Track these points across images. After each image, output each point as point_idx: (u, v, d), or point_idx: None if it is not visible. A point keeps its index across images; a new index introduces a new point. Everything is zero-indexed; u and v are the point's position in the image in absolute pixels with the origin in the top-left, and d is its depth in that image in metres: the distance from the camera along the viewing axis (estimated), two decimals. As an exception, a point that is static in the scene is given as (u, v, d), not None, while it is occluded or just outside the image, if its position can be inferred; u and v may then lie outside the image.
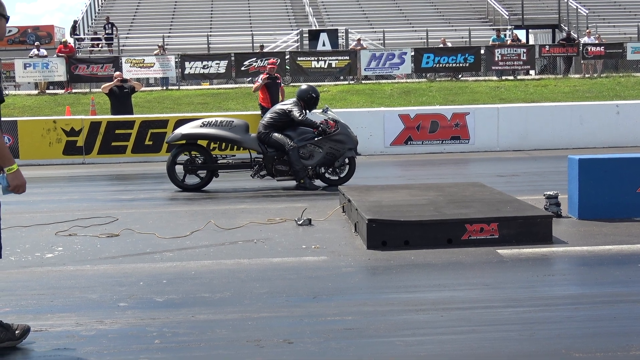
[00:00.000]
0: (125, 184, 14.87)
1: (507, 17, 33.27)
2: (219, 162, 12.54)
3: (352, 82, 28.14)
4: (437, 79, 28.11)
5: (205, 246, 8.38)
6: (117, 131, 17.17)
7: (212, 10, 37.55)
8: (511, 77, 27.88)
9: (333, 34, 31.26)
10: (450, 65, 27.98)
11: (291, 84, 27.39)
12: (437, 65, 27.97)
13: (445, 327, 5.63)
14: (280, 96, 17.25)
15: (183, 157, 12.61)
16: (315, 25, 33.97)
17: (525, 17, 34.23)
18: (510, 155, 16.33)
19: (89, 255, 8.06)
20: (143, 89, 25.16)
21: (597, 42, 29.06)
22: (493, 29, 31.70)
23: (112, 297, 6.43)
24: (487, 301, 6.25)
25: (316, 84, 27.25)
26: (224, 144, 14.32)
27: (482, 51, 28.28)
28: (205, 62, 27.97)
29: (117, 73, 19.59)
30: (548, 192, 9.55)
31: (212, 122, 12.32)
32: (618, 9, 36.24)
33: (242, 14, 37.00)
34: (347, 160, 12.48)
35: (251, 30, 33.07)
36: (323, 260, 7.64)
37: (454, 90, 25.11)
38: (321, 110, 12.72)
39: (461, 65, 27.97)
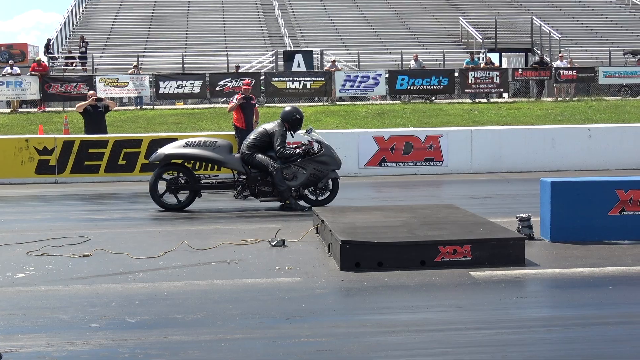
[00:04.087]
0: (98, 203, 14.78)
1: (481, 41, 33.58)
2: (202, 182, 12.49)
3: (327, 103, 28.23)
4: (411, 101, 28.27)
5: (178, 267, 8.34)
6: (90, 150, 17.08)
7: (187, 30, 37.58)
8: (484, 100, 28.11)
9: (308, 55, 31.37)
10: (425, 87, 28.15)
11: (266, 104, 27.42)
12: (412, 88, 28.14)
13: (418, 349, 5.64)
14: (254, 117, 17.25)
15: (165, 176, 12.59)
16: (290, 47, 34.09)
17: (499, 41, 34.58)
18: (483, 178, 16.44)
19: (60, 276, 7.99)
20: (117, 108, 25.07)
21: (569, 66, 29.39)
22: (467, 52, 31.96)
23: (83, 318, 6.38)
24: (460, 323, 6.27)
25: (291, 105, 27.33)
26: (206, 164, 14.21)
27: (456, 74, 28.50)
28: (179, 82, 27.95)
29: (91, 92, 19.51)
30: (521, 215, 9.61)
31: (195, 142, 12.26)
32: (590, 33, 36.70)
33: (217, 34, 37.05)
34: (330, 182, 12.52)
35: (226, 51, 33.11)
36: (296, 281, 7.64)
37: (427, 113, 25.26)
38: (305, 131, 12.73)
39: (435, 87, 28.16)
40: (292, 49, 33.20)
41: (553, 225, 9.46)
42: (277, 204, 12.60)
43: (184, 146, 12.26)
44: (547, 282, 7.77)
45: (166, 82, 27.95)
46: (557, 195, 9.51)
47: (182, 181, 12.40)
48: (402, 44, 34.72)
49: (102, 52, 34.69)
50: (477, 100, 28.15)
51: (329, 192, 12.59)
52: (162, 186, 12.54)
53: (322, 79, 28.14)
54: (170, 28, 37.85)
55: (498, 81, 28.18)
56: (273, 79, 28.18)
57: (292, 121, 12.38)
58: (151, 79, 28.15)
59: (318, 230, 9.94)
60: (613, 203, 9.49)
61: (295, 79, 28.18)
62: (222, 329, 6.09)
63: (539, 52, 33.38)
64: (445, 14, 38.84)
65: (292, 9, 39.85)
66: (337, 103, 28.06)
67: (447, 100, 28.45)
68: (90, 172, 17.08)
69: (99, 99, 18.47)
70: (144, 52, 34.34)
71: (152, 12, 39.81)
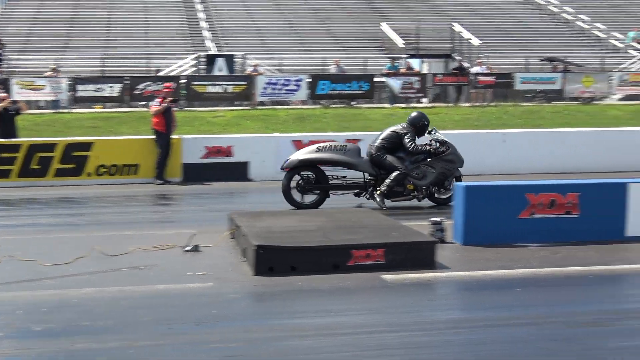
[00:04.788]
0: (9, 209, 14.40)
1: (402, 46, 33.90)
2: (331, 182, 12.74)
3: (248, 107, 28.13)
4: (332, 106, 28.36)
5: (88, 273, 8.19)
6: (2, 155, 16.62)
7: (108, 33, 36.97)
8: (404, 105, 28.39)
9: (230, 59, 31.15)
10: (346, 92, 28.26)
11: (186, 108, 27.17)
12: (333, 92, 28.22)
13: (330, 353, 5.67)
14: (173, 120, 17.02)
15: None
16: (212, 50, 33.84)
17: (420, 47, 34.95)
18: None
19: (-35, 283, 7.77)
20: (32, 111, 24.52)
21: (487, 71, 29.88)
22: (388, 57, 32.22)
23: (-14, 327, 6.22)
24: (372, 326, 6.32)
25: (211, 108, 27.19)
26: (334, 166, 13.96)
27: (377, 79, 28.69)
28: (98, 85, 27.40)
29: (4, 94, 19.04)
30: (434, 218, 9.73)
31: (327, 147, 12.79)
32: (509, 40, 37.37)
33: (139, 37, 36.54)
34: (454, 180, 12.59)
35: (148, 54, 32.68)
36: (209, 286, 7.58)
37: (348, 117, 25.38)
38: (428, 131, 12.92)
39: (356, 92, 28.30)
40: (214, 53, 32.96)
41: (465, 228, 9.60)
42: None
43: (316, 151, 12.69)
44: (458, 285, 7.89)
45: (84, 85, 27.41)
46: (470, 199, 9.66)
47: (314, 182, 12.61)
48: (325, 48, 34.78)
49: (20, 54, 33.90)
50: (397, 105, 28.40)
51: (451, 192, 12.53)
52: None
53: (244, 83, 28.00)
54: (91, 30, 37.16)
55: (418, 86, 28.46)
56: (194, 82, 27.93)
57: (420, 126, 12.68)
58: (69, 82, 27.59)
59: (234, 235, 9.88)
60: (523, 206, 9.69)
61: (216, 82, 27.95)
62: (131, 335, 6.01)
63: (459, 58, 33.88)
64: (367, 19, 39.04)
65: (215, 13, 39.56)
66: (258, 107, 27.98)
67: (368, 105, 28.63)
68: (1, 177, 16.58)
69: (14, 102, 18.02)
70: (63, 54, 33.68)
71: (73, 14, 39.06)
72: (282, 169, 12.90)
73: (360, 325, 6.36)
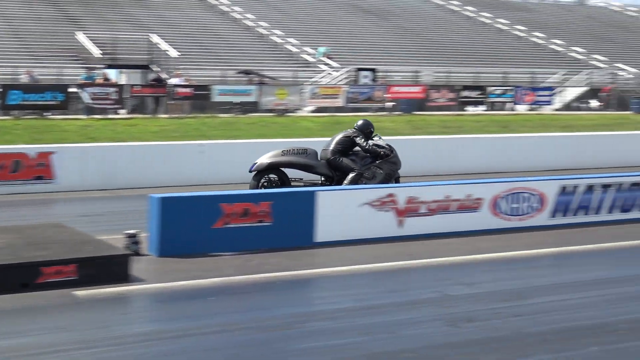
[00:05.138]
0: None
1: (99, 56, 33.18)
2: (293, 184, 13.42)
3: None
4: (23, 117, 27.07)
5: None
6: None
7: None
8: (101, 116, 27.80)
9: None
10: (39, 102, 27.12)
11: None
12: (25, 103, 26.95)
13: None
14: None
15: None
16: None
17: (117, 57, 34.41)
18: (96, 195, 16.14)
19: None
20: None
21: (185, 83, 30.07)
22: (84, 67, 31.38)
23: None
24: (60, 345, 6.12)
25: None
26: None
27: (73, 89, 27.82)
28: None
29: None
30: (128, 231, 9.60)
31: (290, 150, 13.65)
32: (206, 52, 37.91)
33: None
34: (394, 181, 13.52)
35: None
36: None
37: (41, 129, 24.31)
38: (372, 136, 13.78)
39: (50, 103, 27.24)
40: None
41: (161, 240, 9.58)
42: None
43: (282, 154, 13.55)
44: (151, 297, 7.86)
45: None
46: (165, 210, 9.66)
47: (280, 184, 13.36)
48: (15, 57, 33.20)
49: None
50: (93, 116, 27.72)
51: None
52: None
53: None
54: None
55: (115, 97, 27.95)
56: None
57: (368, 132, 13.67)
58: None
59: None
60: (218, 216, 9.86)
61: None
62: None
63: (157, 69, 33.79)
64: (62, 28, 37.77)
65: None
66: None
67: (62, 116, 27.64)
68: None
69: None
70: None
71: None
72: (250, 171, 13.65)
73: (49, 344, 6.13)
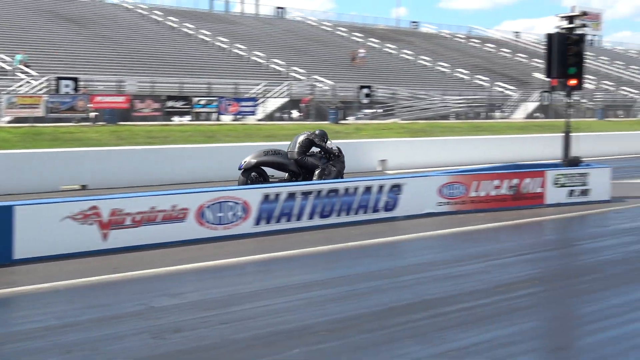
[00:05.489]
0: None
1: None
2: (270, 180, 15.30)
3: None
4: None
5: None
6: None
7: None
8: None
9: None
10: None
11: None
12: None
13: None
14: None
15: None
16: None
17: None
18: None
19: None
20: None
21: None
22: None
23: None
24: None
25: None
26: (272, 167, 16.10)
27: None
28: None
29: None
30: None
31: (270, 151, 15.65)
32: None
33: None
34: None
35: None
36: None
37: None
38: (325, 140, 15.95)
39: None
40: None
41: None
42: None
43: (264, 155, 15.49)
44: None
45: None
46: None
47: (262, 180, 15.21)
48: None
49: None
50: None
51: None
52: None
53: None
54: None
55: None
56: None
57: (323, 135, 15.85)
58: None
59: None
60: None
61: None
62: None
63: None
64: None
65: None
66: None
67: None
68: None
69: None
70: None
71: None
72: (240, 169, 15.32)
73: None
